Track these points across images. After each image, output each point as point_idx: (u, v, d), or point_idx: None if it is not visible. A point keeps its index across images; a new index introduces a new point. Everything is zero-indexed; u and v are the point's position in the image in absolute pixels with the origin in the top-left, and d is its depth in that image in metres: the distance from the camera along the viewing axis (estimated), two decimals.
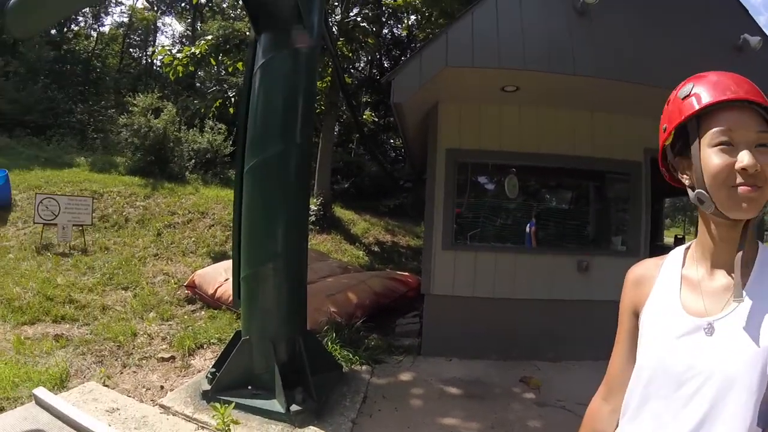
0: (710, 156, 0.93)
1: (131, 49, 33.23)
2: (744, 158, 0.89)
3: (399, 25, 21.69)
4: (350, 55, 14.87)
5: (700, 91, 0.96)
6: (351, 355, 5.15)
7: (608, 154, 5.90)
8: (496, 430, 3.85)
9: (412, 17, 17.62)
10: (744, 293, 0.93)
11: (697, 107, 0.95)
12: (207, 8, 28.52)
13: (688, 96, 0.97)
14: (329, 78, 12.38)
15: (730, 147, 0.92)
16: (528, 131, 5.81)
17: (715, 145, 0.93)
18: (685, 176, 1.03)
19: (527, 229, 6.13)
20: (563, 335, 5.44)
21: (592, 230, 6.45)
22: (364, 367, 5.05)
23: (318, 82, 11.78)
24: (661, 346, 0.99)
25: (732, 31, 5.81)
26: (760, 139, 0.91)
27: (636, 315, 1.12)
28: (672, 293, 1.04)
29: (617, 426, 1.11)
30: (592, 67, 4.82)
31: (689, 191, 1.01)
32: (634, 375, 1.05)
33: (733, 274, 0.95)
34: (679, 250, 1.13)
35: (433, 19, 13.70)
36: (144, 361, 4.87)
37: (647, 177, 6.02)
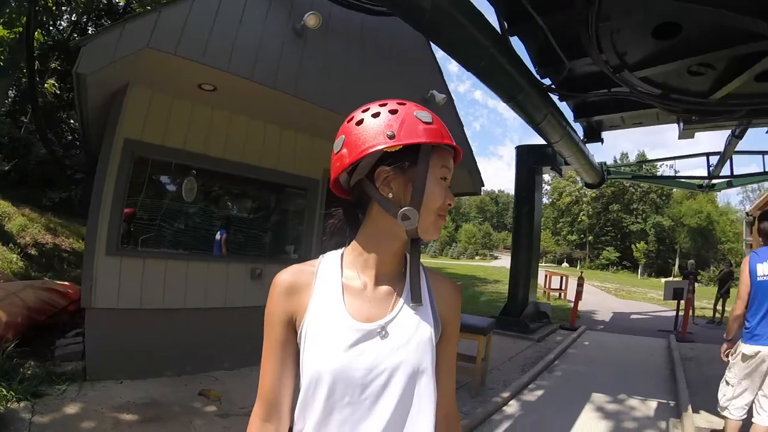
0: (435, 185, 1.05)
1: None
2: (452, 197, 1.09)
3: None
4: (54, 8, 12.39)
5: (439, 127, 1.06)
6: (5, 391, 4.04)
7: (291, 169, 6.26)
8: None
9: None
10: (406, 296, 1.10)
11: (440, 141, 1.04)
12: None
13: (430, 123, 1.04)
14: (20, 29, 9.74)
15: (444, 182, 1.08)
16: (217, 135, 5.61)
17: (440, 178, 1.07)
18: (388, 189, 1.05)
19: (217, 236, 5.91)
20: (238, 342, 5.30)
21: (268, 239, 6.64)
22: (22, 404, 4.01)
23: (5, 31, 9.40)
24: (336, 356, 1.01)
25: (424, 84, 6.81)
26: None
27: (291, 325, 1.08)
28: (335, 301, 1.06)
29: None
30: (293, 86, 4.97)
31: (384, 204, 1.05)
32: (309, 390, 1.02)
33: (394, 282, 1.12)
34: (332, 258, 1.15)
35: None
36: None
37: (323, 193, 6.60)
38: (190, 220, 5.84)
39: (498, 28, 4.62)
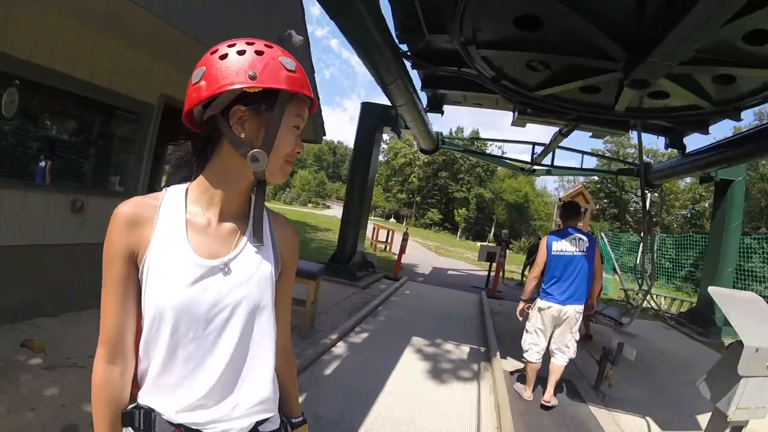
0: (287, 132, 1.08)
1: None
2: (301, 145, 1.13)
3: None
4: None
5: (301, 77, 1.08)
6: None
7: (125, 90, 5.52)
8: (14, 412, 3.08)
9: None
10: (249, 235, 1.14)
11: (299, 90, 1.06)
12: None
13: (293, 72, 1.06)
14: None
15: (297, 130, 1.12)
16: (46, 41, 4.67)
17: (293, 126, 1.10)
18: (241, 128, 1.05)
19: (42, 164, 5.04)
20: (60, 285, 4.83)
21: (90, 167, 5.81)
22: None
23: None
24: (179, 292, 1.02)
25: (283, 22, 6.56)
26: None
27: (132, 260, 1.05)
28: (179, 237, 1.06)
29: (137, 386, 1.09)
30: None
31: (235, 143, 1.05)
32: (152, 327, 1.03)
33: (238, 221, 1.14)
34: (176, 192, 1.13)
35: None
36: None
37: (156, 121, 6.02)
38: (5, 139, 4.83)
39: None
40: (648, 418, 4.78)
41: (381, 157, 64.40)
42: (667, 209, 43.61)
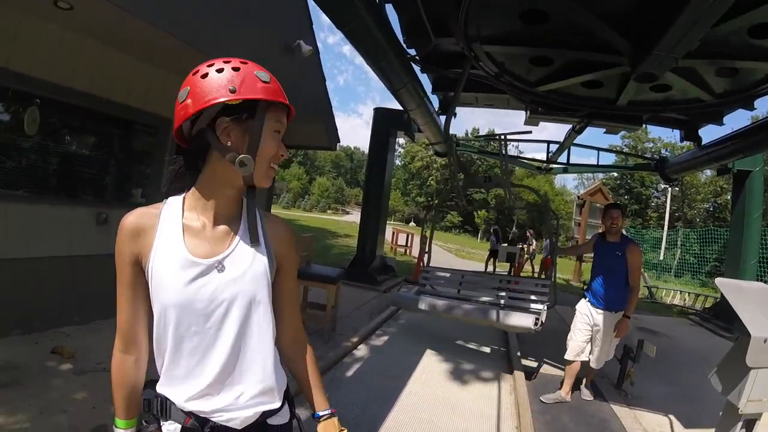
0: (270, 137, 1.20)
1: None
2: (284, 149, 1.25)
3: None
4: None
5: (275, 87, 1.19)
6: None
7: (143, 106, 5.74)
8: (46, 414, 3.24)
9: None
10: (243, 235, 1.24)
11: (275, 98, 1.17)
12: None
13: (268, 83, 1.17)
14: None
15: (278, 135, 1.23)
16: (66, 61, 4.84)
17: (274, 131, 1.21)
18: (227, 138, 1.16)
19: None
20: (87, 294, 4.99)
21: (112, 181, 6.02)
22: None
23: None
24: (179, 291, 1.14)
25: (291, 33, 6.66)
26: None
27: (138, 265, 1.19)
28: (177, 240, 1.18)
29: (157, 375, 1.24)
30: (149, 12, 4.34)
31: (223, 151, 1.15)
32: (159, 324, 1.16)
33: (231, 223, 1.25)
34: (174, 201, 1.25)
35: None
36: None
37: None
38: (27, 156, 5.00)
39: None
40: (671, 415, 4.72)
41: (398, 161, 64.43)
42: (688, 203, 42.75)
